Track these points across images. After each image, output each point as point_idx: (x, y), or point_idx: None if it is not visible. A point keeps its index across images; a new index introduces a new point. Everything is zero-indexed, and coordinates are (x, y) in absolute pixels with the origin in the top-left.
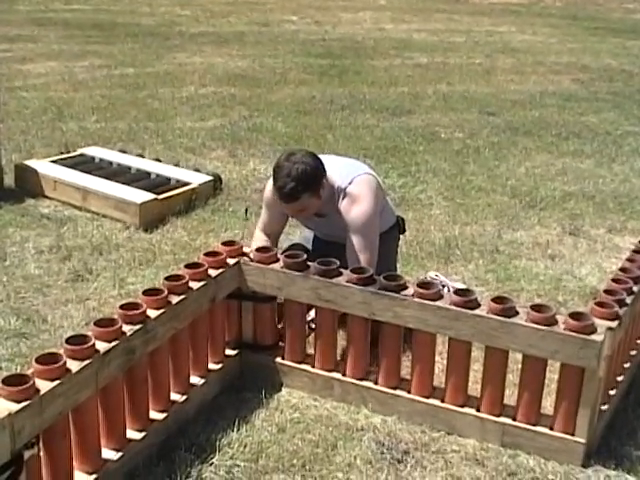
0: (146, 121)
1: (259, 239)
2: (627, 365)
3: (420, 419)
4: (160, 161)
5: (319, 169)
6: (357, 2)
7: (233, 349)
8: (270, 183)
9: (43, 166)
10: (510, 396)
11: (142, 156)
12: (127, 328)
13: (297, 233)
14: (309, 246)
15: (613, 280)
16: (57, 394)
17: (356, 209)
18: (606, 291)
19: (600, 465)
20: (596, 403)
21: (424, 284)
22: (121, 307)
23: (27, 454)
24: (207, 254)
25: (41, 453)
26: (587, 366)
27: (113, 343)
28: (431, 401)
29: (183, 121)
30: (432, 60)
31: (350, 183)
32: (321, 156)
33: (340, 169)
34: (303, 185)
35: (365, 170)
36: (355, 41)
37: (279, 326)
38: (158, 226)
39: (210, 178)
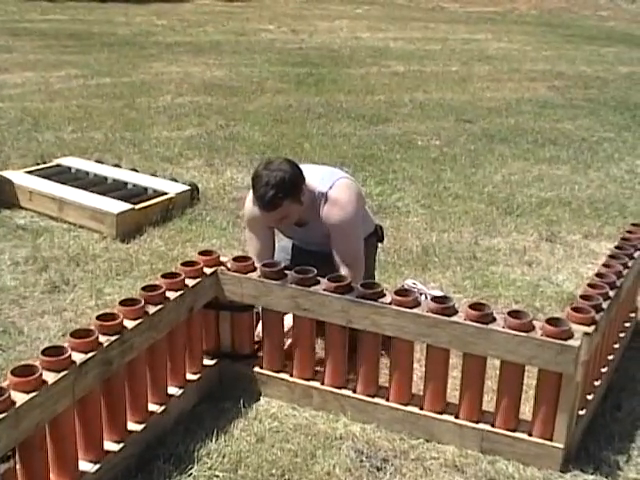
0: (123, 131)
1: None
2: (604, 370)
3: (399, 426)
4: (137, 171)
5: (298, 175)
6: (334, 11)
7: (211, 359)
8: (248, 206)
9: (19, 177)
10: (489, 402)
11: (119, 166)
12: (104, 339)
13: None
14: (287, 255)
15: (589, 285)
16: (33, 406)
17: (338, 212)
18: (582, 296)
19: (578, 470)
20: (574, 408)
21: (402, 292)
22: (98, 318)
23: (3, 467)
24: (184, 264)
25: (17, 466)
26: (564, 371)
27: (90, 354)
28: (410, 408)
29: (160, 131)
30: (408, 68)
31: (331, 187)
32: (300, 165)
33: (320, 176)
34: (283, 192)
35: (345, 175)
36: (332, 50)
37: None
38: (135, 236)
39: (187, 188)
